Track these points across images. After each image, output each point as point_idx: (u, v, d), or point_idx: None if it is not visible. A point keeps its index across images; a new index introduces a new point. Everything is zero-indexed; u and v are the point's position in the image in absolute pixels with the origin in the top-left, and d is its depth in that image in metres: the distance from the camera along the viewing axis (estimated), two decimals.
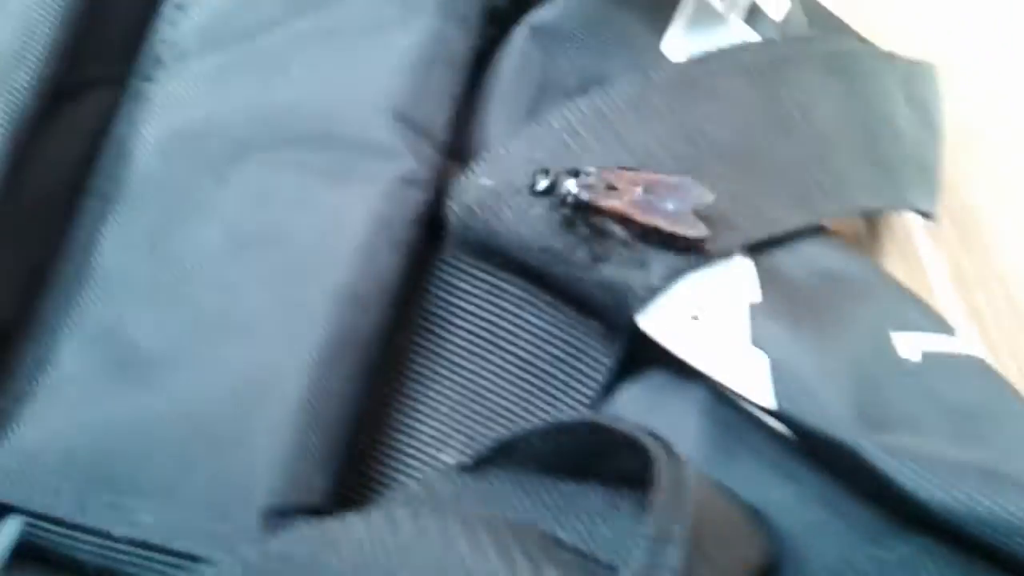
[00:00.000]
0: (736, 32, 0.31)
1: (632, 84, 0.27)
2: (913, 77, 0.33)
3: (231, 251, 0.25)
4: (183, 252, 0.25)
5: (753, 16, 0.31)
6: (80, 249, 0.25)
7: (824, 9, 0.40)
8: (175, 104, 0.27)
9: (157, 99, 0.27)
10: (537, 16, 0.30)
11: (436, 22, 0.27)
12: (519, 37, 0.30)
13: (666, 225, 0.24)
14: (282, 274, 0.24)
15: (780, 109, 0.28)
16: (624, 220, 0.24)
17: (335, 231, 0.25)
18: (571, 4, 0.31)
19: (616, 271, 0.24)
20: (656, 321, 0.24)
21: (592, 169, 0.25)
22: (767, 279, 0.24)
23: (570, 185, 0.24)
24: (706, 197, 0.24)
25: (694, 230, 0.24)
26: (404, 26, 0.27)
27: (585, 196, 0.24)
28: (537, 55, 0.30)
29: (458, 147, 0.29)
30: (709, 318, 0.24)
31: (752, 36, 0.30)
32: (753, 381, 0.23)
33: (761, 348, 0.23)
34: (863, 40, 0.36)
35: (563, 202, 0.24)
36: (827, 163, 0.27)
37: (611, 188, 0.25)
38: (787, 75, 0.28)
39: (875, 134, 0.29)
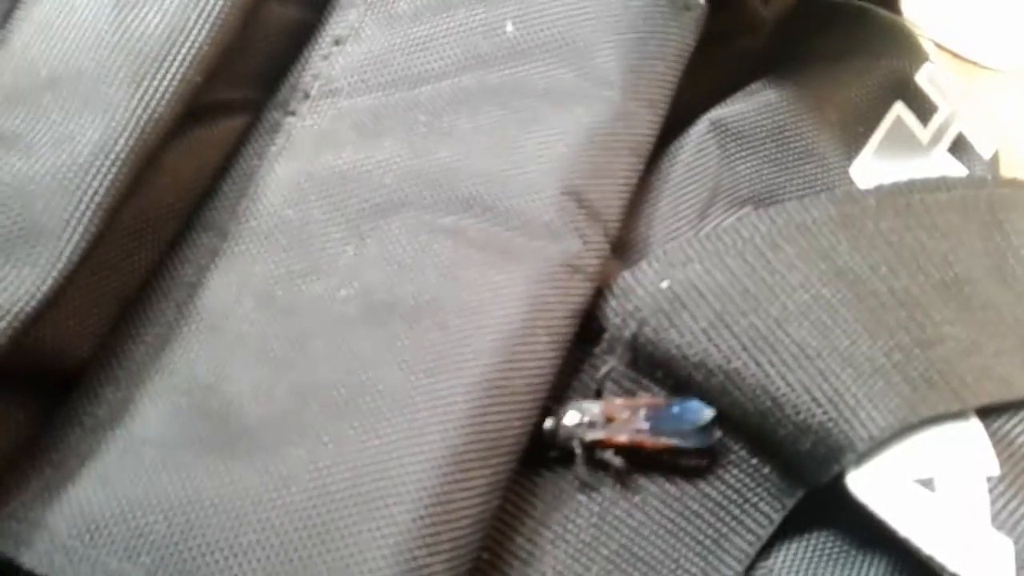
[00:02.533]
0: (939, 165, 0.27)
1: (835, 201, 0.24)
2: None
3: (362, 318, 0.21)
4: (307, 310, 0.21)
5: (958, 150, 0.28)
6: (185, 287, 0.21)
7: None
8: (318, 143, 0.23)
9: (298, 135, 0.24)
10: (720, 112, 0.27)
11: (622, 100, 0.24)
12: (697, 131, 0.27)
13: (681, 442, 0.22)
14: (420, 353, 0.20)
15: (999, 258, 0.24)
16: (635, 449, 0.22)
17: (487, 312, 0.21)
18: (760, 106, 0.28)
19: (832, 412, 0.20)
20: (870, 483, 0.20)
21: (594, 407, 0.22)
22: (1002, 449, 0.20)
23: (571, 425, 0.22)
24: (705, 414, 0.22)
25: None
26: (587, 99, 0.24)
27: (589, 436, 0.22)
28: (715, 154, 0.27)
29: (616, 239, 0.25)
30: (939, 487, 0.19)
31: (959, 170, 0.27)
32: (991, 570, 0.18)
33: (1003, 531, 0.19)
34: None
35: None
36: None
37: (610, 420, 0.22)
38: (1004, 220, 0.25)
39: None
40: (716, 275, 0.22)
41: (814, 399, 0.20)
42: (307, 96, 0.24)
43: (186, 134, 0.23)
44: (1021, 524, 0.19)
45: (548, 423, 0.22)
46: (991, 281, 0.24)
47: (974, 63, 0.46)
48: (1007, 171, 0.41)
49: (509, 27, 0.25)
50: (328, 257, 0.22)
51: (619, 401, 0.23)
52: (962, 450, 0.20)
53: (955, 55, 0.46)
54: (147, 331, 0.21)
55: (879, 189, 0.25)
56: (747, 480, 0.22)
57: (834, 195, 0.24)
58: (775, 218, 0.23)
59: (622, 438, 0.22)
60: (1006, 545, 0.19)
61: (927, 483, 0.19)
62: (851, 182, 0.28)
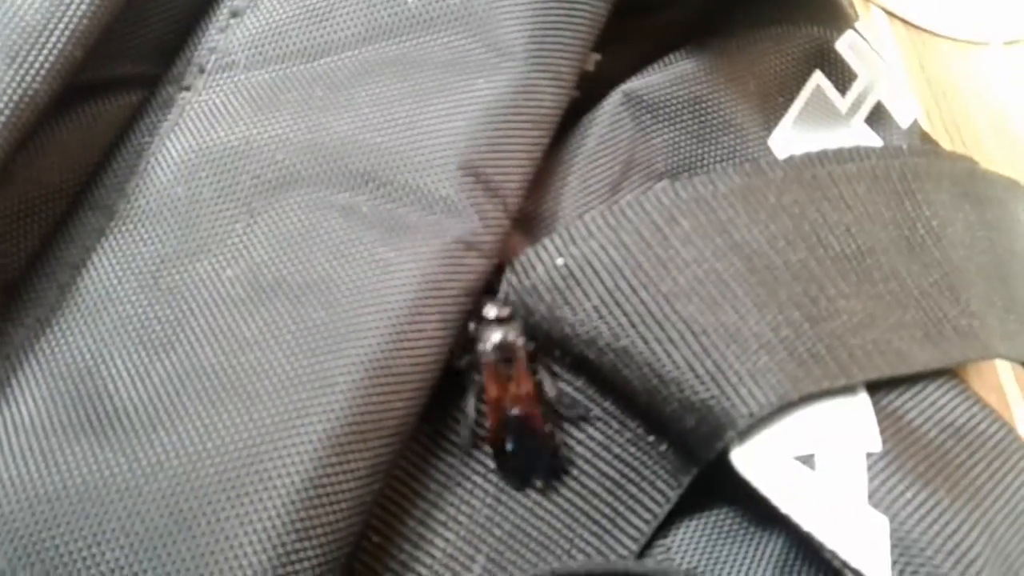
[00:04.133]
0: (857, 135, 0.27)
1: (741, 174, 0.23)
2: None
3: (249, 298, 0.21)
4: (190, 290, 0.21)
5: (876, 119, 0.27)
6: (67, 268, 0.21)
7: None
8: (212, 119, 0.23)
9: (191, 110, 0.23)
10: (634, 84, 0.27)
11: (526, 71, 0.24)
12: (611, 103, 0.27)
13: None
14: (303, 333, 0.20)
15: (908, 225, 0.24)
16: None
17: (375, 290, 0.21)
18: (676, 77, 0.27)
19: (714, 389, 0.19)
20: (753, 459, 0.19)
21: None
22: (887, 426, 0.20)
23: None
24: None
25: None
26: (488, 70, 0.24)
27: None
28: (628, 127, 0.27)
29: (524, 214, 0.25)
30: (819, 464, 0.19)
31: (875, 141, 0.27)
32: (867, 548, 0.18)
33: (880, 509, 0.19)
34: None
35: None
36: (958, 296, 0.23)
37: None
38: (916, 189, 0.24)
39: (1007, 272, 0.25)
40: (611, 251, 0.22)
41: (697, 376, 0.20)
42: (202, 70, 0.24)
43: (76, 111, 0.22)
44: (898, 502, 0.18)
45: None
46: (897, 252, 0.23)
47: (927, 31, 0.45)
48: (952, 133, 0.41)
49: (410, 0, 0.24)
50: (216, 236, 0.22)
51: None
52: (844, 426, 0.20)
53: (907, 23, 0.45)
54: (28, 314, 0.21)
55: (788, 161, 0.24)
56: (643, 458, 0.22)
57: (742, 167, 0.24)
58: (680, 191, 0.23)
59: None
60: (882, 523, 0.18)
61: (807, 460, 0.19)
62: (770, 152, 0.27)
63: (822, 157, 0.24)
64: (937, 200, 0.25)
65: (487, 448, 0.22)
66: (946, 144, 0.41)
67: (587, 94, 0.27)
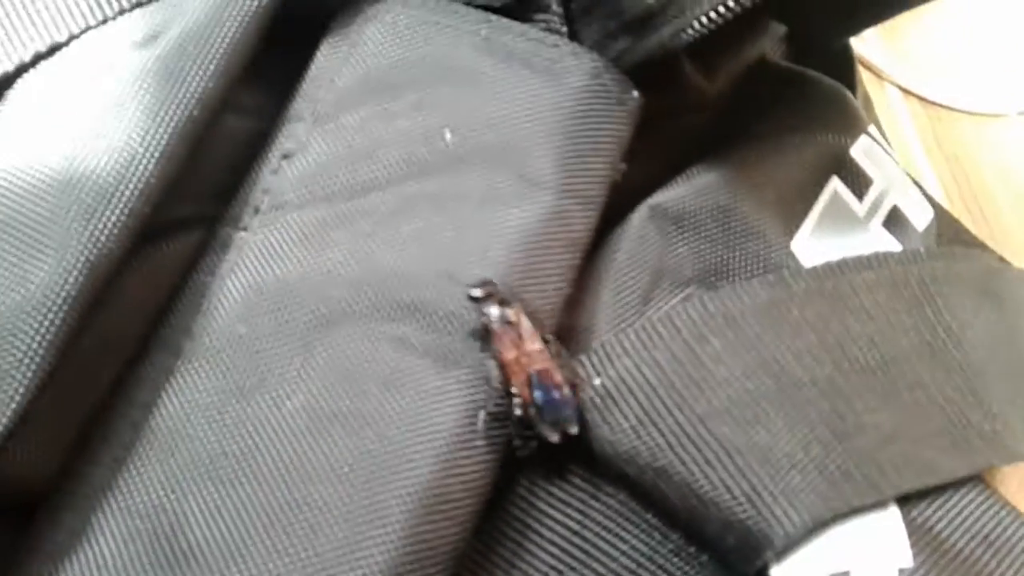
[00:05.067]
0: (876, 239, 0.28)
1: (766, 288, 0.24)
2: None
3: (308, 430, 0.22)
4: (254, 425, 0.22)
5: (893, 223, 0.29)
6: (140, 407, 0.23)
7: (954, 220, 0.37)
8: (268, 258, 0.25)
9: (248, 250, 0.25)
10: (659, 198, 0.28)
11: (556, 199, 0.25)
12: (638, 217, 0.28)
13: None
14: (361, 464, 0.22)
15: (929, 331, 0.25)
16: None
17: (425, 419, 0.22)
18: (699, 189, 0.28)
19: (751, 510, 0.21)
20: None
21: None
22: (918, 539, 0.21)
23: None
24: None
25: None
26: (522, 201, 0.25)
27: None
28: (655, 239, 0.28)
29: (559, 327, 0.26)
30: None
31: (893, 245, 0.28)
32: None
33: None
34: (1003, 260, 0.34)
35: None
36: (982, 401, 0.24)
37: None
38: (935, 293, 0.26)
39: None
40: (646, 371, 0.23)
41: (734, 497, 0.21)
42: (257, 211, 0.26)
43: (141, 255, 0.24)
44: None
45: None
46: (920, 359, 0.24)
47: (943, 106, 0.46)
48: (972, 208, 0.42)
49: (447, 135, 0.26)
50: (276, 371, 0.23)
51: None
52: (876, 542, 0.21)
53: (922, 99, 0.47)
54: (105, 454, 0.22)
55: (810, 272, 0.25)
56: (686, 568, 0.23)
57: (766, 280, 0.25)
58: (708, 306, 0.24)
59: None
60: None
61: (842, 574, 0.20)
62: (792, 257, 0.28)
63: (842, 266, 0.25)
64: (957, 303, 0.26)
65: (532, 570, 0.23)
66: (966, 219, 0.42)
67: (614, 202, 0.29)
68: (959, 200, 0.43)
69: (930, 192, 0.43)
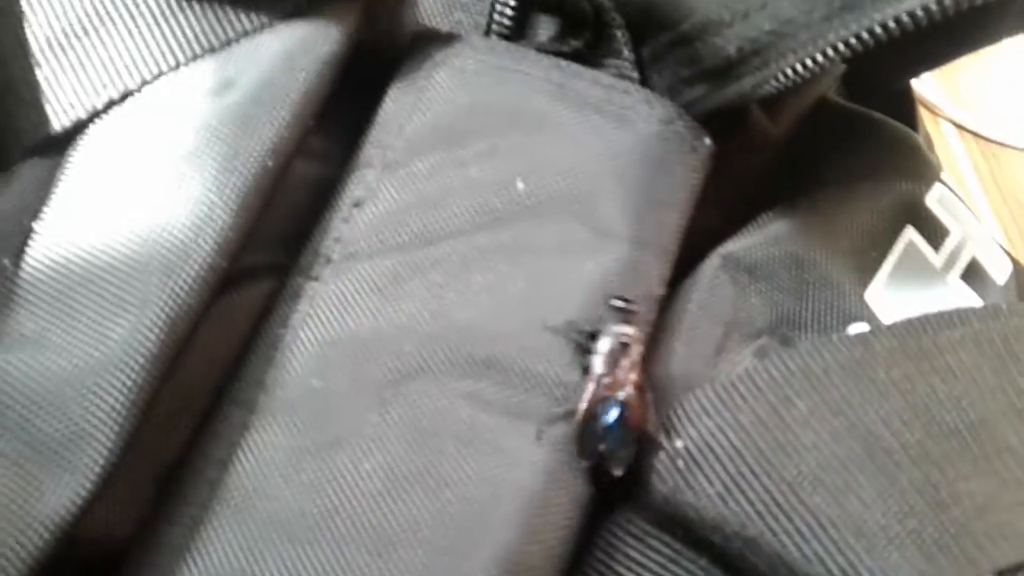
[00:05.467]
0: (954, 292, 0.28)
1: (848, 346, 0.24)
2: None
3: (387, 491, 0.22)
4: (331, 484, 0.22)
5: (972, 276, 0.28)
6: (216, 465, 0.22)
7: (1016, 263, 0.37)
8: (340, 309, 0.24)
9: (321, 301, 0.24)
10: (731, 247, 0.28)
11: (630, 250, 0.25)
12: (709, 267, 0.28)
13: None
14: (442, 528, 0.21)
15: (1015, 391, 0.24)
16: None
17: (504, 481, 0.22)
18: (771, 238, 0.28)
19: None
20: None
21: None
22: None
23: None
24: None
25: None
26: (596, 252, 0.25)
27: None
28: (727, 289, 0.27)
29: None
30: None
31: (973, 299, 0.27)
32: None
33: None
34: None
35: None
36: None
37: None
38: (1019, 352, 0.25)
39: None
40: (730, 434, 0.22)
41: (829, 572, 0.20)
42: (329, 260, 0.25)
43: (215, 304, 0.24)
44: None
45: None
46: (1007, 422, 0.24)
47: (999, 143, 0.46)
48: None
49: (519, 184, 0.25)
50: (352, 428, 0.23)
51: None
52: None
53: (978, 136, 0.46)
54: (182, 512, 0.22)
55: (892, 329, 0.25)
56: None
57: (846, 337, 0.24)
58: (789, 364, 0.24)
59: None
60: None
61: None
62: (867, 307, 0.28)
63: (925, 324, 0.25)
64: None
65: None
66: (1021, 258, 0.41)
67: (686, 244, 0.28)
68: (1017, 237, 0.43)
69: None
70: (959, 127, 0.46)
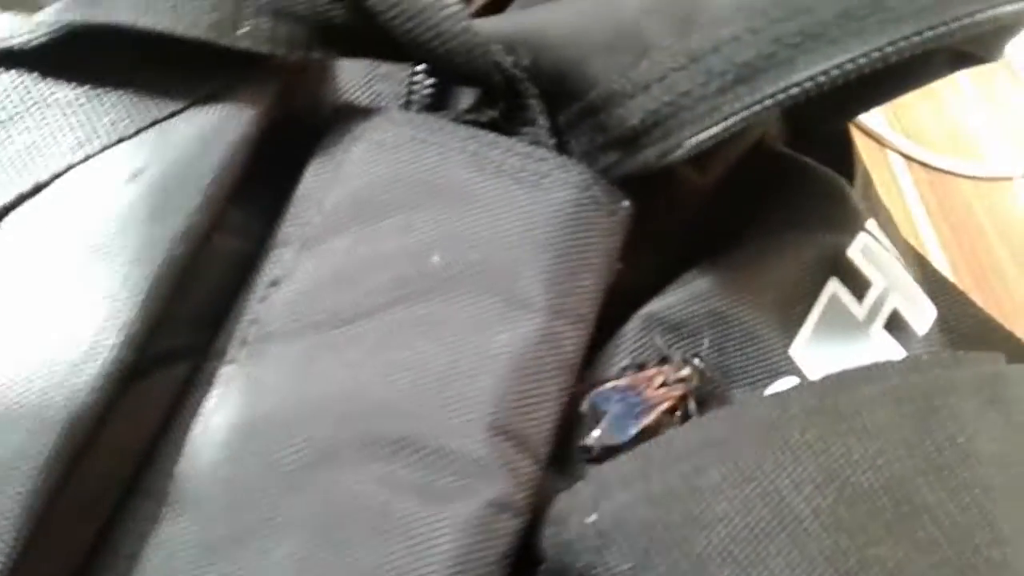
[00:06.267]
0: (877, 345, 0.28)
1: (766, 407, 0.24)
2: None
3: None
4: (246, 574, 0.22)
5: (894, 327, 0.28)
6: (124, 559, 0.22)
7: (959, 295, 0.37)
8: (255, 393, 0.24)
9: (235, 385, 0.24)
10: (653, 307, 0.28)
11: (546, 321, 0.25)
12: (632, 329, 0.28)
13: None
14: None
15: (934, 448, 0.24)
16: None
17: (415, 569, 0.22)
18: (693, 295, 0.28)
19: None
20: None
21: None
22: None
23: None
24: None
25: None
26: (511, 325, 0.25)
27: None
28: (650, 353, 0.27)
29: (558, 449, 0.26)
30: None
31: (895, 351, 0.27)
32: None
33: None
34: (1009, 336, 0.33)
35: None
36: (991, 522, 0.23)
37: None
38: (940, 406, 0.25)
39: None
40: (641, 508, 0.22)
41: None
42: (244, 343, 0.25)
43: (124, 395, 0.24)
44: None
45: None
46: (925, 480, 0.23)
47: (946, 172, 0.46)
48: (979, 279, 0.41)
49: (435, 257, 0.26)
50: (263, 516, 0.23)
51: None
52: None
53: (925, 165, 0.46)
54: None
55: (808, 388, 0.25)
56: None
57: (762, 400, 0.24)
58: (702, 429, 0.24)
59: None
60: None
61: None
62: (792, 363, 0.28)
63: (843, 381, 0.25)
64: (962, 414, 0.25)
65: None
66: (970, 287, 0.41)
67: (608, 304, 0.28)
68: (963, 268, 0.43)
69: (935, 263, 0.43)
70: (906, 157, 0.46)
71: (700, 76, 0.22)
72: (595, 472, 0.24)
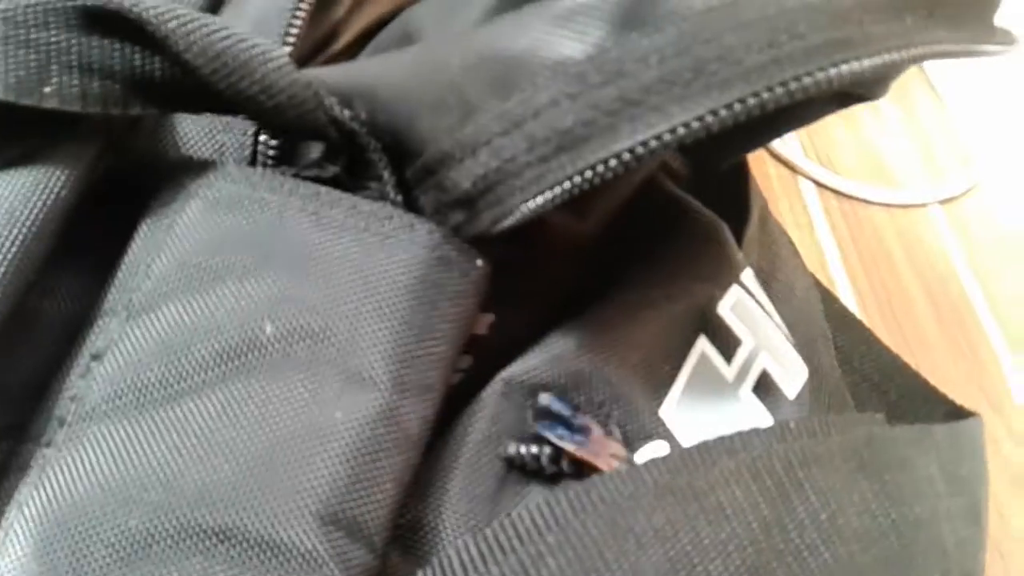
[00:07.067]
0: (745, 408, 0.26)
1: (615, 486, 0.22)
2: (954, 450, 0.28)
3: None
4: None
5: (763, 389, 0.27)
6: None
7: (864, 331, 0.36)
8: (69, 481, 0.22)
9: (50, 471, 0.23)
10: (513, 370, 0.26)
11: (387, 397, 0.23)
12: (491, 394, 0.26)
13: None
14: None
15: (794, 532, 0.23)
16: None
17: None
18: (556, 356, 0.27)
19: None
20: None
21: None
22: None
23: None
24: None
25: None
26: (348, 404, 0.23)
27: None
28: (511, 417, 0.26)
29: (402, 525, 0.24)
30: None
31: (763, 417, 0.26)
32: None
33: None
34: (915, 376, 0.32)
35: None
36: None
37: None
38: (803, 479, 0.24)
39: (911, 552, 0.24)
40: None
41: None
42: (63, 423, 0.23)
43: None
44: None
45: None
46: (780, 566, 0.22)
47: (859, 199, 0.44)
48: (886, 313, 0.40)
49: (268, 327, 0.24)
50: None
51: None
52: None
53: (838, 193, 0.45)
54: None
55: (663, 463, 0.23)
56: None
57: (617, 475, 0.23)
58: (549, 510, 0.22)
59: None
60: None
61: None
62: (662, 424, 0.26)
63: (701, 453, 0.23)
64: (828, 486, 0.24)
65: None
66: (878, 321, 0.40)
67: (482, 359, 0.27)
68: (871, 297, 0.42)
69: (842, 295, 0.42)
70: (818, 184, 0.44)
71: (523, 142, 0.21)
72: (438, 558, 0.22)
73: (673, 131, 0.19)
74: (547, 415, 0.26)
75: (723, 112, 0.19)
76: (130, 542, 0.22)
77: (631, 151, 0.19)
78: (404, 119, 0.23)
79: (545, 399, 0.26)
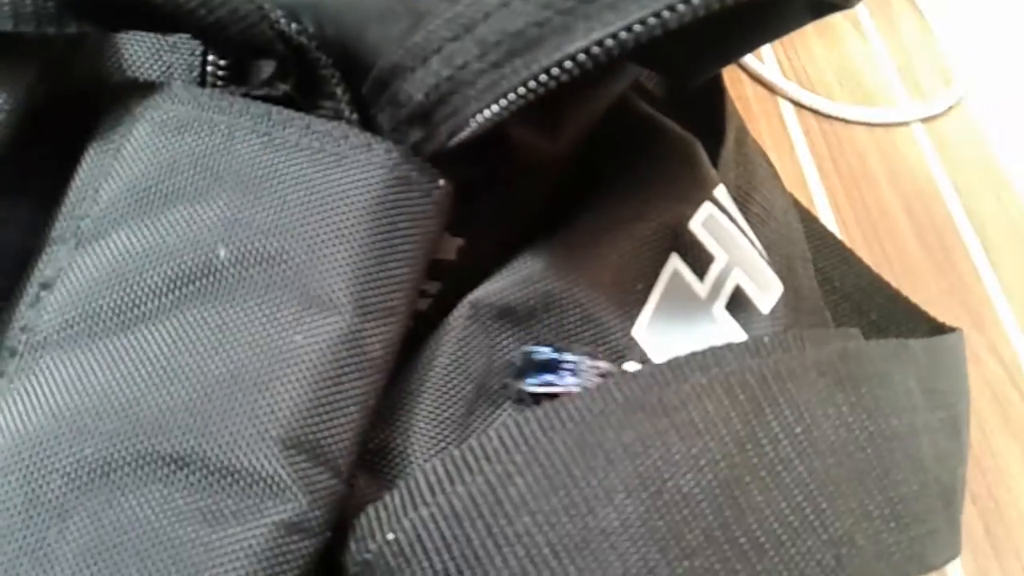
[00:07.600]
0: (718, 325, 0.26)
1: (584, 404, 0.22)
2: (933, 364, 0.27)
3: None
4: None
5: (737, 306, 0.26)
6: None
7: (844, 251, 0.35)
8: (22, 412, 0.22)
9: (2, 403, 0.22)
10: (480, 293, 0.26)
11: (348, 321, 0.22)
12: (458, 317, 0.25)
13: None
14: None
15: (768, 446, 0.22)
16: None
17: None
18: (524, 278, 0.26)
19: None
20: None
21: None
22: None
23: None
24: None
25: None
26: (309, 328, 0.22)
27: None
28: (479, 339, 0.25)
29: (371, 450, 0.24)
30: None
31: (736, 333, 0.25)
32: None
33: None
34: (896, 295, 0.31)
35: None
36: (826, 524, 0.22)
37: None
38: (777, 393, 0.23)
39: (888, 465, 0.24)
40: (441, 524, 0.20)
41: None
42: (14, 353, 0.23)
43: None
44: None
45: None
46: (754, 479, 0.22)
47: (839, 119, 0.43)
48: (867, 232, 0.39)
49: (222, 251, 0.23)
50: (28, 549, 0.20)
51: None
52: None
53: (817, 113, 0.44)
54: None
55: (633, 379, 0.23)
56: None
57: (586, 394, 0.22)
58: (517, 430, 0.22)
59: None
60: None
61: None
62: (636, 345, 0.26)
63: (673, 369, 0.23)
64: (802, 400, 0.23)
65: None
66: (859, 242, 0.39)
67: (452, 285, 0.26)
68: (852, 217, 0.41)
69: (823, 217, 0.41)
70: (797, 104, 0.43)
71: (474, 47, 0.20)
72: (405, 480, 0.22)
73: (629, 28, 0.18)
74: (532, 367, 0.25)
75: (681, 6, 0.18)
76: (86, 471, 0.21)
77: (587, 52, 0.18)
78: (353, 30, 0.22)
79: (524, 353, 0.25)
